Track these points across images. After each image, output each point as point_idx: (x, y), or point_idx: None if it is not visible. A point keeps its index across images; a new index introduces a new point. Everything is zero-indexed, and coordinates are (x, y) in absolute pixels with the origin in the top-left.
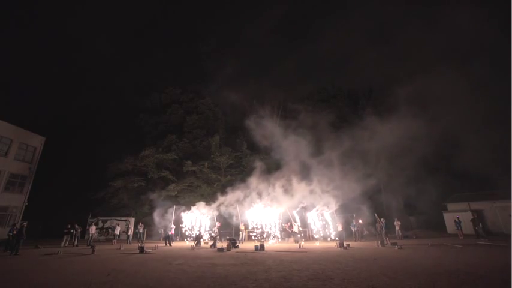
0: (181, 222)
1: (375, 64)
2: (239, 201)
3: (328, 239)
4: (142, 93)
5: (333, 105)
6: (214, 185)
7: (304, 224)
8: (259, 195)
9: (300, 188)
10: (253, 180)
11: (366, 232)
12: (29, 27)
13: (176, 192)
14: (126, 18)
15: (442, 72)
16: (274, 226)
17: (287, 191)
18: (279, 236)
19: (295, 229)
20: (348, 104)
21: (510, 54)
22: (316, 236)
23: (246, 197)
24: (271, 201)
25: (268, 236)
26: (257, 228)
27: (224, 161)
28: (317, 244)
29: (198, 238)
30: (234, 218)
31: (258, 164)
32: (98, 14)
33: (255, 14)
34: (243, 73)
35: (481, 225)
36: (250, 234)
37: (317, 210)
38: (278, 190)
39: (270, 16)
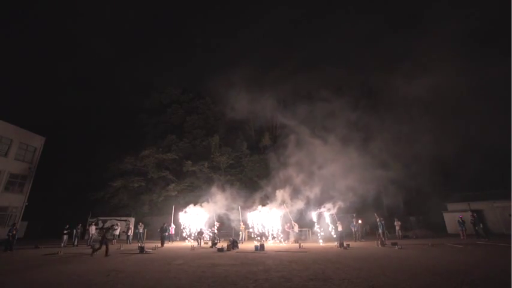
0: (181, 222)
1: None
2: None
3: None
4: (142, 93)
5: (332, 105)
6: (214, 185)
7: (304, 224)
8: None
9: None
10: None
11: (368, 229)
12: (28, 27)
13: (176, 192)
14: (125, 18)
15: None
16: (273, 227)
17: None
18: (279, 237)
19: (295, 229)
20: (347, 103)
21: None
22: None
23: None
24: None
25: (268, 237)
26: (257, 232)
27: (224, 161)
28: (320, 241)
29: (198, 238)
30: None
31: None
32: (96, 14)
33: (255, 13)
34: (243, 72)
35: (481, 225)
36: (250, 232)
37: (316, 211)
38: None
39: (271, 15)
